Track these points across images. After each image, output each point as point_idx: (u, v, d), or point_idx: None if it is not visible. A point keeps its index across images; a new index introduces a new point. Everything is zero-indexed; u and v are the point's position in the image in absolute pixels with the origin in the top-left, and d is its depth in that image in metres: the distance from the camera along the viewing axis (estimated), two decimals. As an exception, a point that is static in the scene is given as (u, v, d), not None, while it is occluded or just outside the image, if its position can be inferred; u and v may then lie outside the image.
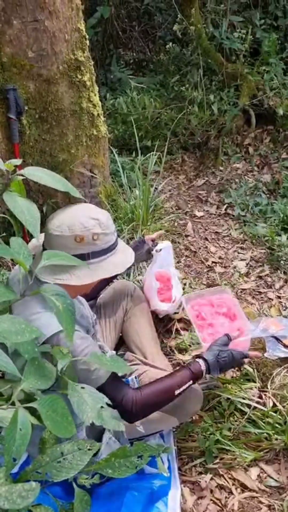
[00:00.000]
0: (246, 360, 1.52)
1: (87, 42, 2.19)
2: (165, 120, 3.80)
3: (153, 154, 2.91)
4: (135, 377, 1.62)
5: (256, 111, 3.79)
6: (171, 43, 3.94)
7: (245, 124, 3.87)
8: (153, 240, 1.99)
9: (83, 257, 1.29)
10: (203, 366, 1.45)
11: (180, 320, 2.15)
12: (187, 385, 1.41)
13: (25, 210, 1.18)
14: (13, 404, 1.00)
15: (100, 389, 1.21)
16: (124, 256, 1.40)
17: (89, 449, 1.12)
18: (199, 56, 3.82)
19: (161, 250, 1.95)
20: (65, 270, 1.28)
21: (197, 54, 3.86)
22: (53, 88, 2.14)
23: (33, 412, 1.02)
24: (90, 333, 1.55)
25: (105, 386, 1.24)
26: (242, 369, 1.83)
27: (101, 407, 1.14)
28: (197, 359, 1.47)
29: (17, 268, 1.39)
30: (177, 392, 1.39)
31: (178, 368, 1.52)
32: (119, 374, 1.37)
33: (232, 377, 1.86)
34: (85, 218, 1.31)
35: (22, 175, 1.20)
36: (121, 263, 1.37)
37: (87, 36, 2.19)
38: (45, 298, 1.23)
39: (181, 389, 1.39)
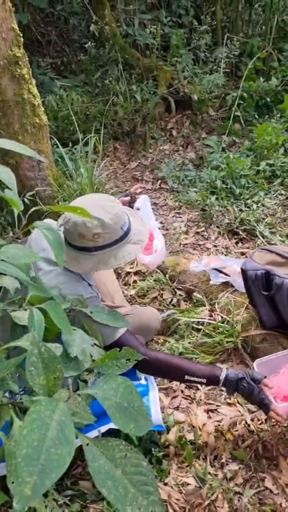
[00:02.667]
0: (271, 411, 1.44)
1: (22, 40, 2.47)
2: (93, 113, 4.12)
3: (91, 136, 3.22)
4: None
5: (174, 98, 4.24)
6: (90, 43, 4.26)
7: (166, 110, 4.30)
8: (131, 197, 2.07)
9: (87, 249, 1.50)
10: (222, 376, 1.48)
11: (136, 273, 2.49)
12: (199, 379, 1.48)
13: (2, 171, 1.45)
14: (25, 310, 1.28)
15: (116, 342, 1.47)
16: (130, 248, 1.53)
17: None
18: (116, 53, 4.19)
19: (139, 209, 1.97)
20: (75, 257, 1.52)
21: (114, 51, 4.23)
22: (-3, 82, 2.39)
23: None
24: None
25: (121, 340, 1.49)
26: (193, 298, 2.21)
27: (92, 345, 1.45)
28: (223, 369, 1.51)
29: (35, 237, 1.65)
30: (186, 377, 1.49)
31: (206, 365, 1.63)
32: (117, 326, 1.51)
33: (186, 308, 2.22)
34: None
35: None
36: (123, 257, 1.52)
37: (21, 35, 2.46)
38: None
39: (192, 378, 1.48)
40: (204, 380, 1.49)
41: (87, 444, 0.85)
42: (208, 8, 5.09)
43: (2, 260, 1.22)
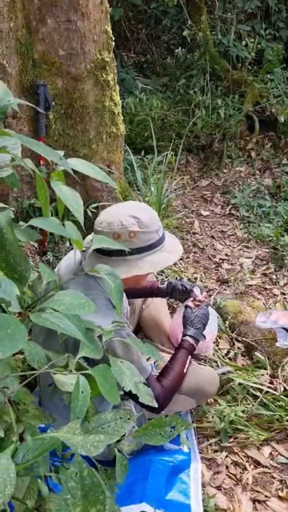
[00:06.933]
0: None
1: (113, 43, 2.30)
2: (171, 122, 3.91)
3: (167, 153, 3.02)
4: (154, 363, 1.75)
5: (259, 118, 3.95)
6: (180, 48, 4.05)
7: (247, 129, 4.02)
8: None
9: (121, 252, 1.37)
10: (191, 340, 1.61)
11: (192, 312, 2.27)
12: (188, 361, 1.57)
13: (69, 196, 1.27)
14: (71, 372, 1.11)
15: None
16: (166, 256, 1.44)
17: (128, 419, 1.24)
18: (206, 62, 3.95)
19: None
20: (105, 263, 1.37)
21: (204, 59, 4.00)
22: (80, 86, 2.24)
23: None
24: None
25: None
26: (253, 357, 1.96)
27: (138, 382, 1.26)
28: (184, 338, 1.62)
29: (70, 256, 1.52)
30: (184, 371, 1.56)
31: (174, 352, 1.62)
32: (151, 359, 1.45)
33: (243, 365, 1.98)
34: (125, 216, 1.38)
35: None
36: (159, 262, 1.41)
37: (113, 38, 2.29)
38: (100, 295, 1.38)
39: (186, 367, 1.56)
40: (190, 357, 1.58)
41: None
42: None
43: (57, 311, 1.05)
